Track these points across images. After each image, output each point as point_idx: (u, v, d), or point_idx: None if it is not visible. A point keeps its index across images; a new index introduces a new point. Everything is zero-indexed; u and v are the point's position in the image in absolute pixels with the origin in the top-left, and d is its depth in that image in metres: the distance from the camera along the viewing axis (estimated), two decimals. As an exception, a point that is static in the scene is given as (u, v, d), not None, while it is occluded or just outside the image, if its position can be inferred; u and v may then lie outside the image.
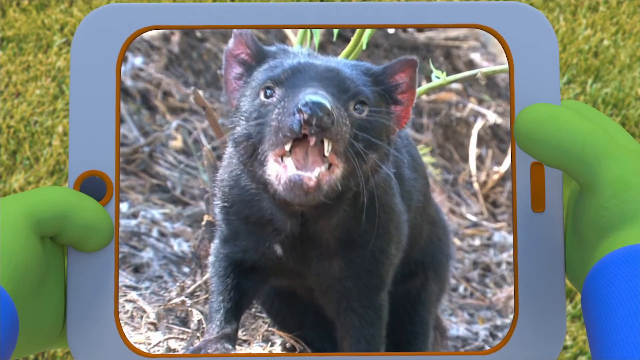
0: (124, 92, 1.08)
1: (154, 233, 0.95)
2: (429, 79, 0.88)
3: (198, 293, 0.86)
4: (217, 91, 1.08)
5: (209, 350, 0.73)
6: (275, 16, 0.67)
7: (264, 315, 0.84)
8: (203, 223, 0.88)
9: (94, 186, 0.66)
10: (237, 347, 0.77)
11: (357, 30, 0.85)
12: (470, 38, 1.17)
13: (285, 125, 0.67)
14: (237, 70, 0.74)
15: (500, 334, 0.90)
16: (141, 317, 0.83)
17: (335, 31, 0.96)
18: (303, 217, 0.73)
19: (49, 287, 0.63)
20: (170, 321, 0.83)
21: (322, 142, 0.68)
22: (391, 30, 1.12)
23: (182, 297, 0.85)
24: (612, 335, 0.51)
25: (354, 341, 0.76)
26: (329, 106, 0.66)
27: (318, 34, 0.88)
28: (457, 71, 1.13)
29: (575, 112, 0.61)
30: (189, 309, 0.84)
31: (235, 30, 0.73)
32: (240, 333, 0.80)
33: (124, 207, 0.96)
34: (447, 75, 0.87)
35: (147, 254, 0.92)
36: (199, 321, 0.83)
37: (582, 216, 0.60)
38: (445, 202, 1.00)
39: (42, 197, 0.62)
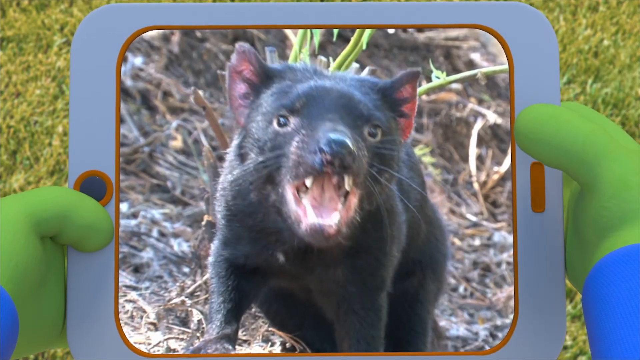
0: (124, 92, 1.08)
1: (154, 233, 0.95)
2: (429, 79, 0.88)
3: (198, 293, 0.86)
4: (217, 91, 1.08)
5: (209, 351, 0.73)
6: (275, 16, 0.67)
7: (263, 315, 0.84)
8: (203, 223, 0.88)
9: (94, 186, 0.66)
10: (237, 347, 0.77)
11: (357, 30, 0.85)
12: (470, 38, 1.17)
13: (307, 162, 0.67)
14: (242, 87, 0.74)
15: (500, 334, 0.90)
16: (141, 317, 0.83)
17: (335, 31, 0.96)
18: None
19: (49, 287, 0.63)
20: (170, 321, 0.83)
21: (343, 177, 0.68)
22: (391, 30, 1.12)
23: (182, 297, 0.85)
24: (612, 335, 0.51)
25: (353, 342, 0.76)
26: (350, 145, 0.66)
27: (318, 34, 0.88)
28: (457, 71, 1.13)
29: (575, 113, 0.61)
30: (189, 309, 0.84)
31: (237, 46, 0.73)
32: (240, 333, 0.80)
33: (124, 207, 0.96)
34: (447, 75, 0.87)
35: (147, 254, 0.92)
36: (199, 321, 0.83)
37: (583, 216, 0.60)
38: (445, 202, 1.00)
39: (42, 197, 0.62)
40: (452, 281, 0.94)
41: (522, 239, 0.66)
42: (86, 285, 0.65)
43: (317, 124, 0.69)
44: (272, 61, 0.89)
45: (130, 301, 0.85)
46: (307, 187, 0.69)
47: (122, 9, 0.67)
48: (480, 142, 1.05)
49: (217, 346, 0.74)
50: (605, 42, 1.62)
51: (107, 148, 0.66)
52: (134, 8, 0.67)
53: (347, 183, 0.68)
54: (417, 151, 0.98)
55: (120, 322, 0.65)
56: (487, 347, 0.87)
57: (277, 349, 0.82)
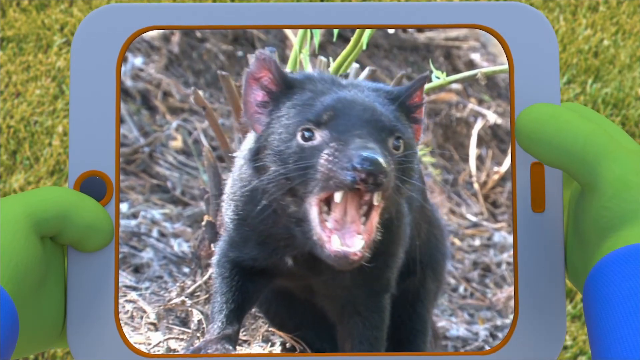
0: (124, 92, 1.08)
1: (154, 233, 0.95)
2: (429, 79, 0.88)
3: (198, 293, 0.86)
4: (217, 91, 1.08)
5: (209, 351, 0.73)
6: (275, 16, 0.67)
7: (263, 315, 0.84)
8: (203, 223, 0.88)
9: (94, 186, 0.66)
10: (237, 347, 0.77)
11: (357, 30, 0.85)
12: (470, 38, 1.17)
13: (338, 177, 0.67)
14: (259, 94, 0.73)
15: (500, 334, 0.90)
16: (141, 317, 0.83)
17: (335, 31, 0.96)
18: None
19: (49, 287, 0.63)
20: (170, 321, 0.83)
21: (373, 193, 0.68)
22: (391, 30, 1.12)
23: (182, 297, 0.85)
24: (611, 334, 0.51)
25: (356, 343, 0.76)
26: (383, 163, 0.67)
27: (318, 34, 0.88)
28: (457, 71, 1.13)
29: (576, 113, 0.61)
30: (189, 309, 0.84)
31: (258, 53, 0.73)
32: (240, 333, 0.80)
33: (124, 207, 0.96)
34: (447, 75, 0.87)
35: (147, 254, 0.92)
36: (199, 321, 0.83)
37: (584, 216, 0.60)
38: (445, 202, 1.00)
39: (42, 197, 0.62)
40: (452, 281, 0.94)
41: (522, 239, 0.66)
42: (86, 285, 0.65)
43: (346, 139, 0.68)
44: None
45: (130, 301, 0.85)
46: (328, 203, 0.69)
47: (122, 9, 0.67)
48: (480, 142, 1.05)
49: (218, 346, 0.74)
50: (605, 42, 1.62)
51: (107, 148, 0.66)
52: (134, 8, 0.67)
53: (376, 199, 0.68)
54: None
55: (120, 322, 0.65)
56: (487, 347, 0.87)
57: (277, 349, 0.82)
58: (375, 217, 0.70)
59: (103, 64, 0.67)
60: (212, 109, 0.90)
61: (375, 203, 0.69)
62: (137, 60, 1.11)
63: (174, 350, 0.80)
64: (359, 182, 0.67)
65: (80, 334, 0.65)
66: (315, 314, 0.82)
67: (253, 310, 0.84)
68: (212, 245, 0.87)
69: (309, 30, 0.87)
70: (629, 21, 1.64)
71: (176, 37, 1.13)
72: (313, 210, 0.69)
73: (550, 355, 0.65)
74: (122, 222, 0.94)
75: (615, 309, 0.52)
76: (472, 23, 0.67)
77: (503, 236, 0.98)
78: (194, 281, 0.87)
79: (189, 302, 0.85)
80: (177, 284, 0.87)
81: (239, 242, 0.77)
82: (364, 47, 0.86)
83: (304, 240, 0.71)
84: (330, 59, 0.87)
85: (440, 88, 0.88)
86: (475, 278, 0.95)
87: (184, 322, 0.83)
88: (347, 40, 0.87)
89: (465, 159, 1.05)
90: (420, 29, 1.13)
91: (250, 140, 0.75)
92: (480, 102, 1.09)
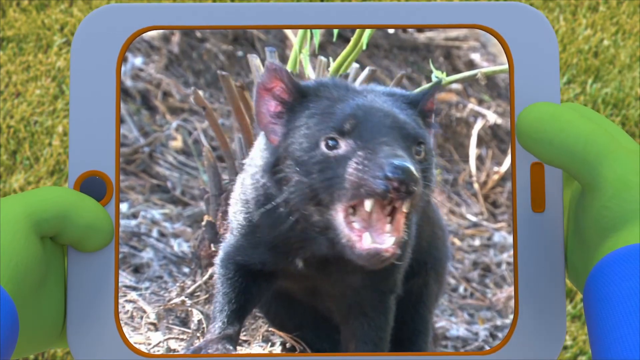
0: (124, 92, 1.08)
1: (154, 233, 0.95)
2: (429, 79, 0.88)
3: (198, 293, 0.86)
4: (217, 91, 1.08)
5: (210, 350, 0.73)
6: (275, 16, 0.67)
7: (263, 315, 0.84)
8: (203, 223, 0.88)
9: (94, 186, 0.66)
10: (237, 347, 0.77)
11: (357, 30, 0.85)
12: (470, 38, 1.17)
13: (370, 186, 0.67)
14: (272, 104, 0.73)
15: (500, 334, 0.90)
16: (141, 317, 0.83)
17: (335, 31, 0.96)
18: None
19: (49, 287, 0.63)
20: (170, 321, 0.83)
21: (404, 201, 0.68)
22: (391, 30, 1.12)
23: (182, 297, 0.85)
24: (611, 333, 0.52)
25: (360, 344, 0.76)
26: (415, 172, 0.67)
27: (318, 34, 0.88)
28: (457, 71, 1.13)
29: (577, 112, 0.61)
30: (189, 309, 0.84)
31: (268, 64, 0.72)
32: (241, 334, 0.80)
33: (124, 207, 0.96)
34: (447, 75, 0.87)
35: (147, 254, 0.92)
36: (199, 321, 0.83)
37: (584, 216, 0.60)
38: (445, 202, 1.00)
39: (42, 197, 0.62)
40: (452, 281, 0.94)
41: (522, 239, 0.66)
42: (86, 285, 0.65)
43: (374, 147, 0.68)
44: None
45: (130, 301, 0.85)
46: (353, 208, 0.69)
47: (122, 9, 0.67)
48: (480, 142, 1.05)
49: (219, 346, 0.74)
50: (605, 42, 1.62)
51: (107, 148, 0.66)
52: (134, 8, 0.67)
53: (406, 206, 0.68)
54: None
55: (120, 322, 0.65)
56: (487, 347, 0.87)
57: (277, 349, 0.82)
58: (401, 219, 0.69)
59: (103, 64, 0.67)
60: (212, 109, 0.90)
61: (405, 210, 0.69)
62: (137, 60, 1.11)
63: (174, 350, 0.80)
64: (392, 190, 0.66)
65: (80, 334, 0.65)
66: (315, 314, 0.82)
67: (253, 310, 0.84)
68: (212, 245, 0.87)
69: (309, 30, 0.87)
70: (629, 21, 1.64)
71: (176, 37, 1.13)
72: (339, 215, 0.69)
73: (550, 355, 0.65)
74: (122, 222, 0.94)
75: (615, 308, 0.52)
76: (472, 23, 0.67)
77: (503, 236, 0.98)
78: (194, 281, 0.87)
79: (189, 302, 0.85)
80: (177, 284, 0.87)
81: (248, 247, 0.76)
82: (364, 47, 0.86)
83: (329, 245, 0.71)
84: (330, 59, 0.87)
85: (440, 88, 0.88)
86: (475, 278, 0.95)
87: (184, 322, 0.83)
88: (347, 40, 0.87)
89: (465, 159, 1.05)
90: (420, 29, 1.13)
91: (261, 149, 0.75)
92: (480, 102, 1.09)
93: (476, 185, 1.02)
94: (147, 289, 0.88)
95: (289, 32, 1.01)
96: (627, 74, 1.60)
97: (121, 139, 1.02)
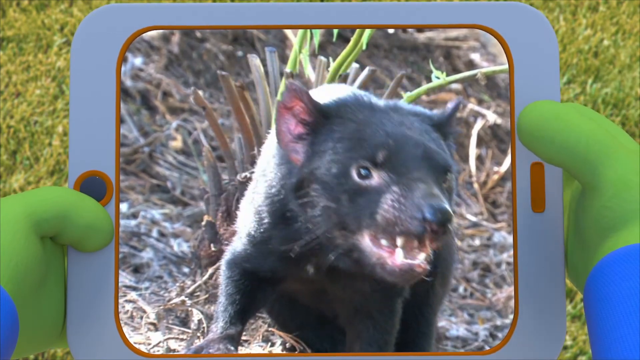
0: (124, 92, 1.08)
1: (154, 233, 0.95)
2: (429, 79, 0.88)
3: (198, 293, 0.86)
4: (217, 91, 1.08)
5: (211, 350, 0.73)
6: (275, 16, 0.67)
7: (264, 315, 0.84)
8: (203, 223, 0.88)
9: (94, 186, 0.66)
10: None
11: (357, 30, 0.85)
12: (470, 38, 1.17)
13: (407, 226, 0.66)
14: (293, 123, 0.72)
15: (500, 334, 0.90)
16: (141, 317, 0.83)
17: (335, 31, 0.96)
18: None
19: (49, 287, 0.63)
20: (170, 321, 0.83)
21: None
22: (391, 30, 1.12)
23: (182, 297, 0.85)
24: (611, 333, 0.52)
25: (365, 345, 0.76)
26: (451, 212, 0.66)
27: (318, 34, 0.88)
28: (457, 71, 1.13)
29: (577, 111, 0.61)
30: (189, 309, 0.84)
31: (288, 83, 0.71)
32: (243, 334, 0.80)
33: (124, 207, 0.96)
34: (447, 75, 0.87)
35: (147, 254, 0.92)
36: (199, 321, 0.83)
37: (584, 216, 0.60)
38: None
39: (42, 197, 0.62)
40: (452, 281, 0.94)
41: (522, 239, 0.66)
42: (86, 285, 0.65)
43: (409, 184, 0.67)
44: (272, 62, 0.89)
45: (130, 301, 0.85)
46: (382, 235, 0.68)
47: (122, 9, 0.67)
48: (480, 142, 1.05)
49: (220, 346, 0.74)
50: (605, 42, 1.62)
51: (107, 148, 0.66)
52: (134, 8, 0.67)
53: (437, 244, 0.68)
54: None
55: (120, 322, 0.65)
56: (487, 347, 0.87)
57: (277, 349, 0.82)
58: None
59: (103, 64, 0.67)
60: (212, 109, 0.90)
61: (439, 245, 0.68)
62: (137, 60, 1.11)
63: (174, 350, 0.80)
64: (428, 232, 0.66)
65: (80, 334, 0.65)
66: (318, 314, 0.82)
67: (253, 310, 0.84)
68: (212, 245, 0.87)
69: (309, 30, 0.87)
70: (629, 21, 1.64)
71: (176, 37, 1.13)
72: (365, 239, 0.68)
73: (550, 355, 0.65)
74: (122, 222, 0.94)
75: (615, 308, 0.52)
76: (472, 23, 0.67)
77: (503, 236, 0.98)
78: (194, 281, 0.87)
79: (188, 302, 0.85)
80: (177, 284, 0.87)
81: (258, 256, 0.76)
82: (364, 47, 0.86)
83: (353, 265, 0.70)
84: (330, 59, 0.87)
85: (440, 88, 0.88)
86: (475, 278, 0.95)
87: (184, 322, 0.84)
88: (347, 40, 0.87)
89: (465, 159, 1.05)
90: (420, 29, 1.13)
91: (277, 162, 0.74)
92: (480, 102, 1.09)
93: (476, 185, 1.03)
94: (147, 289, 0.88)
95: (289, 32, 1.01)
96: (627, 74, 1.60)
97: (121, 139, 1.02)
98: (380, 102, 0.74)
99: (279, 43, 1.11)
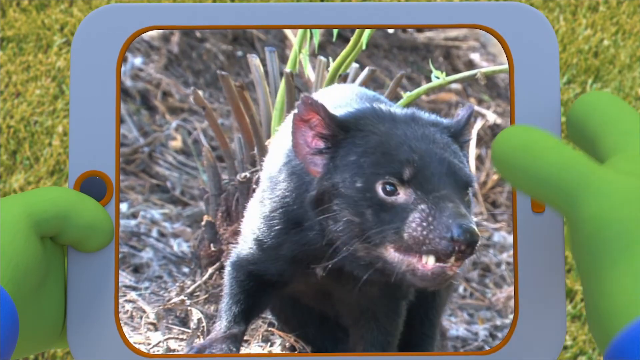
0: (124, 92, 1.08)
1: (154, 233, 0.95)
2: (428, 79, 0.88)
3: (198, 293, 0.86)
4: (217, 91, 1.08)
5: (214, 350, 0.73)
6: (275, 16, 0.67)
7: (264, 315, 0.84)
8: (203, 223, 0.88)
9: (94, 186, 0.66)
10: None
11: (357, 30, 0.85)
12: (470, 38, 1.17)
13: (435, 246, 0.66)
14: (310, 136, 0.71)
15: (500, 334, 0.90)
16: (141, 317, 0.83)
17: (335, 31, 0.96)
18: None
19: (49, 287, 0.63)
20: (170, 321, 0.83)
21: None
22: (391, 30, 1.12)
23: (182, 297, 0.85)
24: None
25: (368, 346, 0.76)
26: (477, 232, 0.66)
27: (318, 34, 0.88)
28: (457, 71, 1.13)
29: (553, 139, 0.56)
30: (189, 309, 0.84)
31: (303, 97, 0.71)
32: (245, 334, 0.80)
33: (123, 207, 0.96)
34: (447, 75, 0.87)
35: (147, 254, 0.92)
36: (199, 321, 0.83)
37: (572, 244, 0.56)
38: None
39: (42, 197, 0.62)
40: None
41: (522, 240, 0.66)
42: (86, 285, 0.65)
43: (437, 203, 0.67)
44: (272, 62, 0.89)
45: (130, 301, 0.85)
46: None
47: (122, 9, 0.67)
48: (480, 142, 1.05)
49: (223, 346, 0.74)
50: (605, 42, 1.62)
51: (107, 148, 0.66)
52: (134, 8, 0.67)
53: (462, 263, 0.68)
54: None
55: (120, 322, 0.65)
56: (487, 347, 0.87)
57: (276, 349, 0.82)
58: None
59: (103, 64, 0.67)
60: (211, 109, 0.90)
61: (466, 263, 0.68)
62: (137, 60, 1.11)
63: (174, 350, 0.80)
64: (457, 252, 0.66)
65: (80, 334, 0.65)
66: (320, 314, 0.82)
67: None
68: (211, 245, 0.87)
69: (308, 30, 0.87)
70: (629, 21, 1.64)
71: (176, 37, 1.13)
72: (389, 251, 0.68)
73: (550, 355, 0.65)
74: (122, 222, 0.94)
75: None
76: (472, 23, 0.67)
77: (503, 236, 0.98)
78: (194, 281, 0.87)
79: (188, 301, 0.85)
80: (177, 284, 0.88)
81: (266, 260, 0.76)
82: (364, 47, 0.86)
83: (378, 275, 0.70)
84: (330, 58, 0.88)
85: (440, 88, 0.88)
86: (475, 278, 0.95)
87: (184, 322, 0.84)
88: (347, 40, 0.87)
89: (465, 159, 1.05)
90: (420, 29, 1.13)
91: (288, 172, 0.74)
92: (480, 102, 1.09)
93: (476, 185, 1.03)
94: (146, 288, 0.88)
95: (288, 32, 1.01)
96: (627, 74, 1.60)
97: (121, 139, 1.02)
98: (397, 110, 0.73)
99: (279, 43, 1.11)
